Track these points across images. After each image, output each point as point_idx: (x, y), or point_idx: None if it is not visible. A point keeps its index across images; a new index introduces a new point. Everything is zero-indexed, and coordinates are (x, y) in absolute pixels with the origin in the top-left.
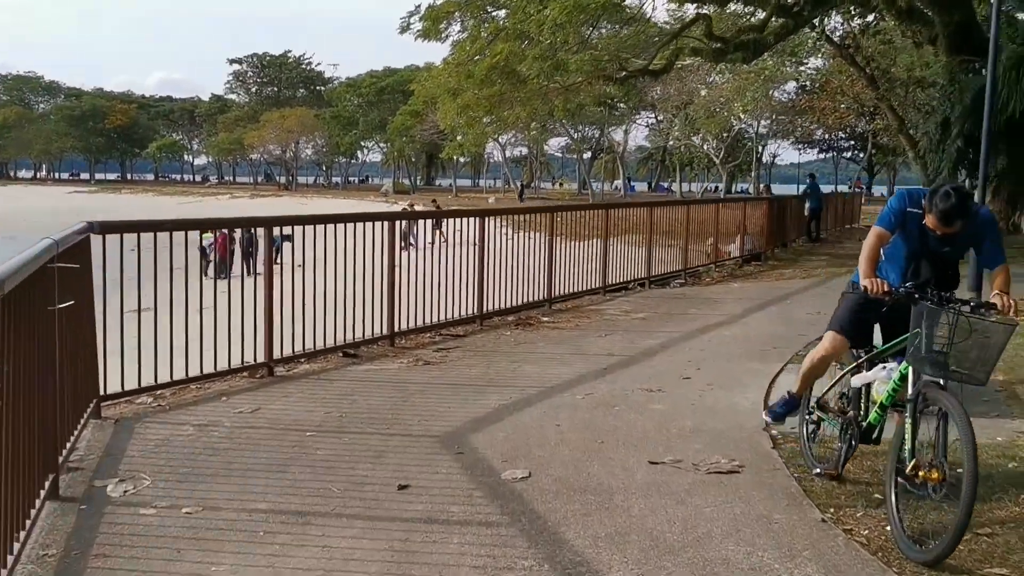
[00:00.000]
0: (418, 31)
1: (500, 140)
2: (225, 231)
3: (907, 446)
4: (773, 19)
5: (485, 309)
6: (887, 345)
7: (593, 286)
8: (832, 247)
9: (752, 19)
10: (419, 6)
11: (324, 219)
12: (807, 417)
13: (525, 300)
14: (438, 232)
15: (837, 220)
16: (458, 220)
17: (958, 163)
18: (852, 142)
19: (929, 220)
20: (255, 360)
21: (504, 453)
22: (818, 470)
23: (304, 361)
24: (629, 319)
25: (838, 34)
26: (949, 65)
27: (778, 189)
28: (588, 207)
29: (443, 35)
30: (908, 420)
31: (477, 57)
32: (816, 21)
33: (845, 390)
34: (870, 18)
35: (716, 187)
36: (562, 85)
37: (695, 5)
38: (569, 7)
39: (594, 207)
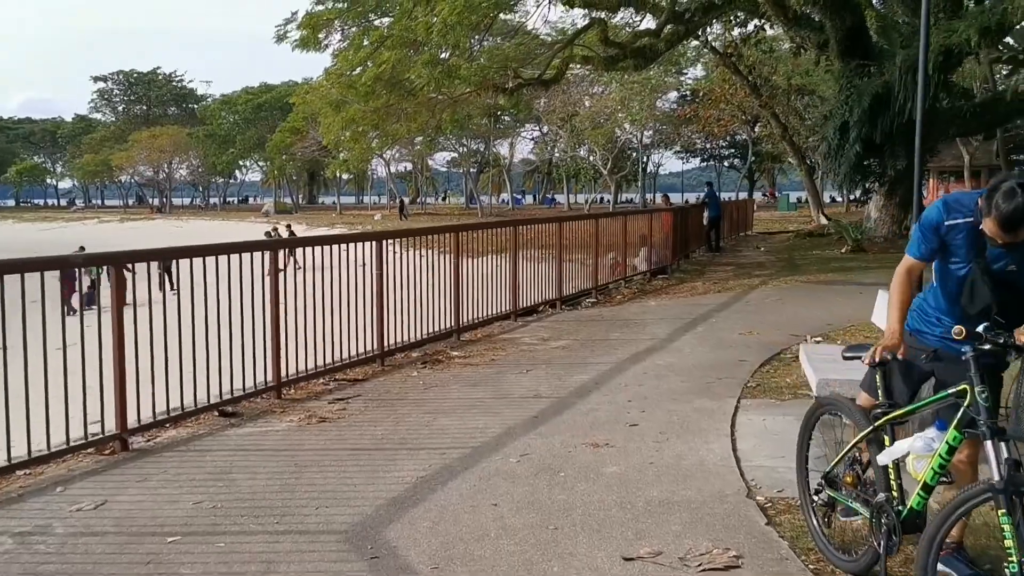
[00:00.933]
0: (296, 41)
1: (385, 155)
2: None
3: (1014, 558)
4: (668, 26)
5: (387, 345)
6: (919, 404)
7: (503, 311)
8: (733, 256)
9: (646, 24)
10: (295, 13)
11: (185, 252)
12: (814, 497)
13: (431, 332)
14: (291, 260)
15: (732, 228)
16: (352, 245)
17: (856, 168)
18: (733, 150)
19: (988, 226)
20: (103, 431)
21: (433, 553)
22: (847, 564)
23: (169, 426)
24: (549, 349)
25: (720, 43)
26: (845, 69)
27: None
28: (496, 224)
29: (323, 45)
30: (1007, 519)
31: (361, 68)
32: (700, 31)
33: (859, 461)
34: (750, 27)
35: (602, 198)
36: (450, 96)
37: (586, 10)
38: (460, 7)
39: (502, 224)
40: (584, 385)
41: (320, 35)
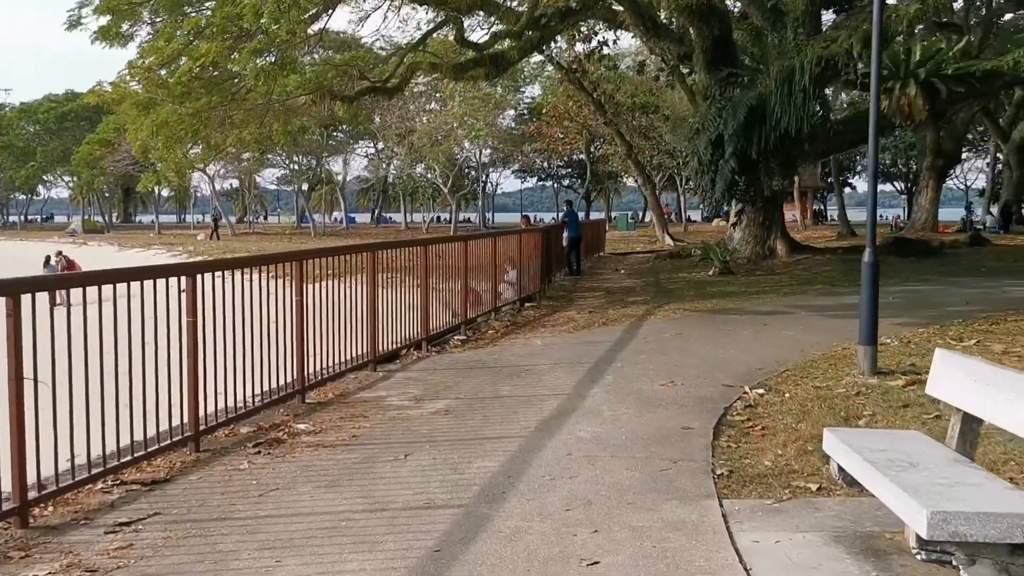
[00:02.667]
0: (94, 33)
1: (208, 171)
2: None
3: None
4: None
5: (204, 420)
6: None
7: (360, 357)
8: (597, 280)
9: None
10: None
11: None
12: None
13: (267, 393)
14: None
15: (587, 249)
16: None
17: (732, 186)
18: (570, 170)
19: None
20: None
21: None
22: None
23: None
24: (427, 415)
25: (564, 59)
26: (714, 81)
27: (500, 218)
28: (351, 249)
29: (128, 36)
30: None
31: (173, 66)
32: (550, 42)
33: None
34: (594, 43)
35: (439, 217)
36: (282, 103)
37: (437, 10)
38: None
39: (359, 249)
40: (493, 480)
41: (123, 25)
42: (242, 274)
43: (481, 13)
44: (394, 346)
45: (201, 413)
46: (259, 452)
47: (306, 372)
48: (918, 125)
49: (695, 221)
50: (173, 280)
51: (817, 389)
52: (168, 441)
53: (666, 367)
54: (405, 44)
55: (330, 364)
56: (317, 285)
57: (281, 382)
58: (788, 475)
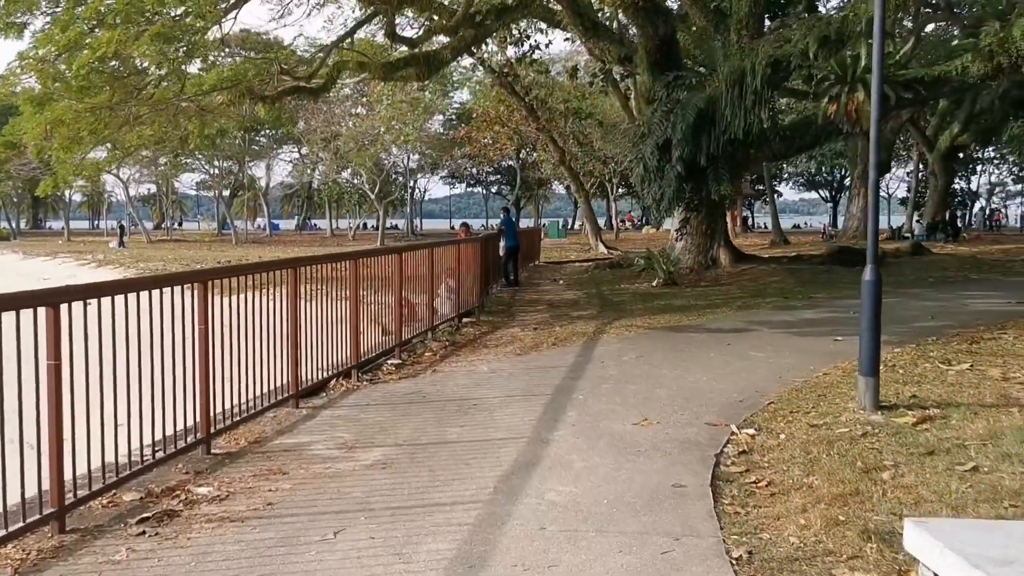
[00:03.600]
0: None
1: (122, 175)
2: None
3: None
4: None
5: (73, 488)
6: None
7: (280, 391)
8: (536, 292)
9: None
10: None
11: None
12: None
13: (160, 444)
14: None
15: (523, 258)
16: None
17: (679, 192)
18: (499, 176)
19: None
20: None
21: None
22: None
23: None
24: (360, 470)
25: (496, 62)
26: (659, 83)
27: (428, 224)
28: (268, 266)
29: (22, 26)
30: None
31: (71, 57)
32: (475, 48)
33: None
34: (526, 46)
35: (366, 224)
36: (194, 102)
37: (363, 5)
38: None
39: (278, 265)
40: (450, 570)
41: (17, 16)
42: (137, 297)
43: (410, 13)
44: (320, 376)
45: (68, 477)
46: (144, 532)
47: (212, 414)
48: (866, 131)
49: (626, 228)
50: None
51: (815, 428)
52: (20, 523)
53: (635, 399)
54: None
55: (243, 401)
56: (230, 299)
57: (181, 427)
58: (824, 560)
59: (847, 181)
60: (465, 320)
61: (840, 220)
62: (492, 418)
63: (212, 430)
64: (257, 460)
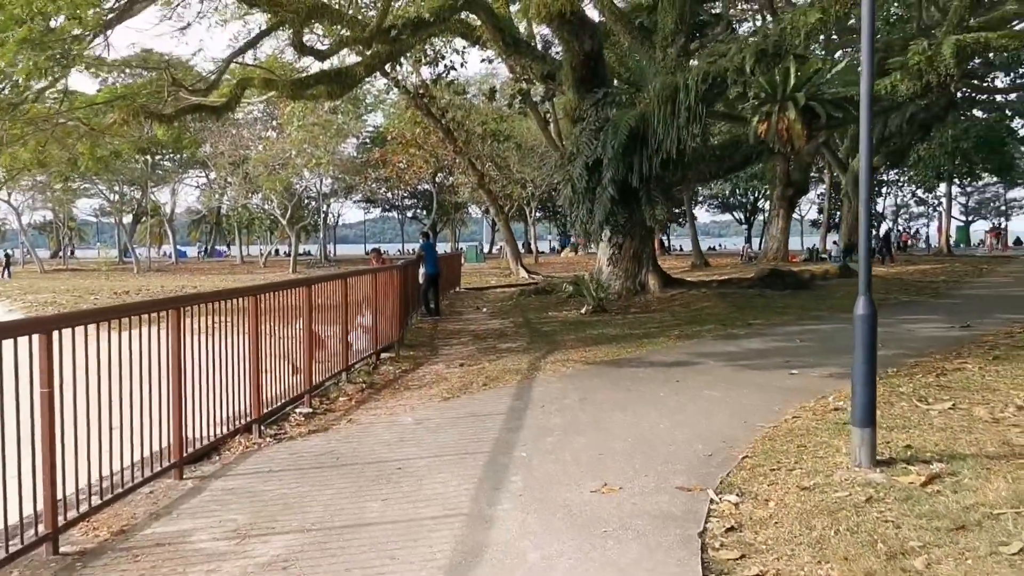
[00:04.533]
0: None
1: (13, 201)
2: None
3: None
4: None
5: None
6: None
7: (159, 457)
8: (459, 321)
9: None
10: None
11: None
12: None
13: None
14: None
15: (443, 285)
16: None
17: (611, 215)
18: (415, 200)
19: None
20: None
21: None
22: None
23: None
24: (255, 573)
25: (411, 82)
26: (587, 100)
27: (343, 250)
28: (143, 308)
29: None
30: None
31: None
32: (389, 67)
33: None
34: (440, 67)
35: (277, 250)
36: (86, 122)
37: (268, 13)
38: None
39: (159, 305)
40: None
41: None
42: None
43: (320, 29)
44: (212, 435)
45: None
46: None
47: (63, 498)
48: (797, 151)
49: (543, 252)
50: None
51: (808, 492)
52: None
53: (588, 455)
54: (239, 63)
55: (106, 475)
56: (95, 345)
57: (18, 516)
58: None
59: (760, 203)
60: (384, 356)
61: (755, 242)
62: (421, 487)
63: (58, 524)
64: (118, 562)
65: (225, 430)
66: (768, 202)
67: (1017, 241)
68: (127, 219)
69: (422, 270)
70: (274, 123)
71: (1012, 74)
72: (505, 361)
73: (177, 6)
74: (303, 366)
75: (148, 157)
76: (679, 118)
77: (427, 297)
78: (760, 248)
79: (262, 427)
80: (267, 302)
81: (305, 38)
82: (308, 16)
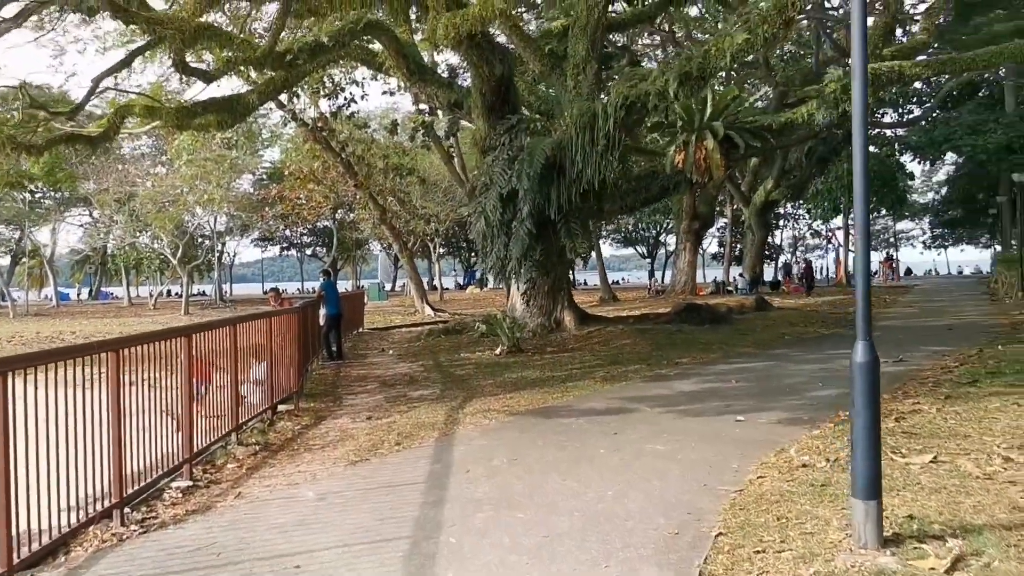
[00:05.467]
0: None
1: None
2: None
3: None
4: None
5: None
6: None
7: None
8: (365, 366)
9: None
10: None
11: None
12: None
13: None
14: None
15: (346, 326)
16: None
17: (529, 250)
18: (315, 237)
19: None
20: None
21: None
22: None
23: None
24: None
25: (309, 115)
26: (497, 128)
27: (240, 289)
28: None
29: None
30: None
31: None
32: (286, 99)
33: None
34: (340, 99)
35: (169, 291)
36: None
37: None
38: None
39: None
40: None
41: None
42: None
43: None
44: (56, 528)
45: None
46: None
47: None
48: (715, 181)
49: (448, 288)
50: None
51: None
52: None
53: (532, 539)
54: (114, 87)
55: None
56: None
57: None
58: None
59: (662, 237)
60: (282, 409)
61: (658, 275)
62: None
63: None
64: None
65: (75, 519)
66: (670, 236)
67: (908, 271)
68: (4, 260)
69: (323, 311)
70: (163, 158)
71: (900, 110)
72: (418, 413)
73: (49, 30)
74: (182, 429)
75: (27, 194)
76: (598, 146)
77: (329, 340)
78: (668, 282)
79: (125, 512)
80: (134, 355)
81: (195, 62)
82: (194, 38)
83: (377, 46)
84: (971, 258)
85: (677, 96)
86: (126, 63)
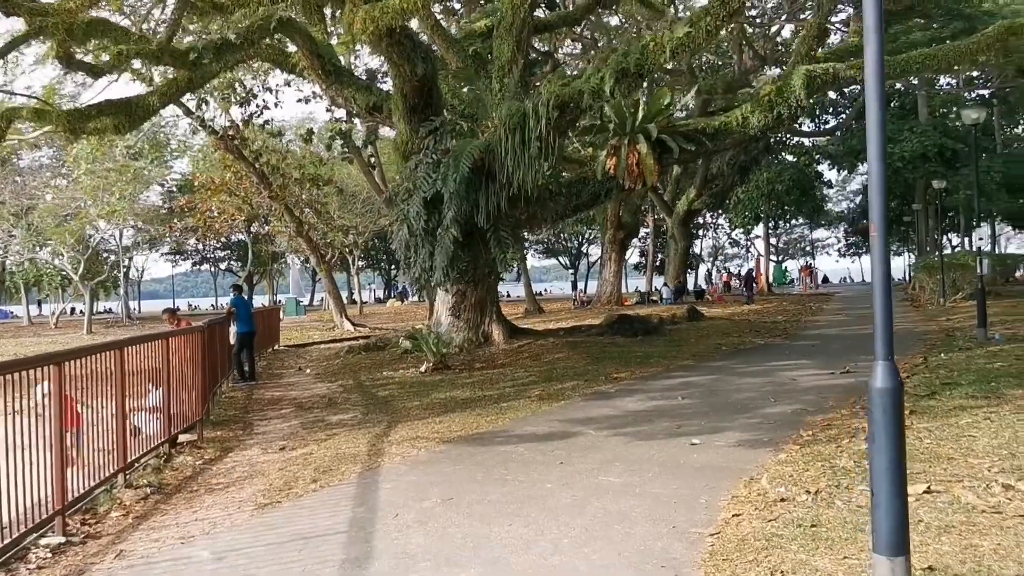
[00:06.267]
0: None
1: None
2: None
3: None
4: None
5: None
6: None
7: None
8: (280, 387)
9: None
10: None
11: None
12: None
13: None
14: None
15: (260, 343)
16: None
17: (455, 260)
18: (229, 251)
19: None
20: None
21: None
22: None
23: None
24: None
25: (220, 123)
26: (430, 128)
27: (151, 306)
28: None
29: None
30: None
31: None
32: (194, 105)
33: None
34: (253, 106)
35: (73, 308)
36: None
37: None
38: None
39: None
40: None
41: None
42: None
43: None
44: None
45: None
46: None
47: None
48: (649, 187)
49: (367, 302)
50: None
51: None
52: None
53: None
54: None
55: None
56: None
57: None
58: None
59: (584, 248)
60: (183, 439)
61: (581, 285)
62: None
63: None
64: None
65: None
66: (592, 246)
67: (825, 279)
68: None
69: (233, 329)
70: (64, 169)
71: (816, 120)
72: (338, 441)
73: None
74: (51, 475)
75: None
76: (530, 148)
77: (240, 360)
78: (594, 292)
79: None
80: None
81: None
82: (85, 32)
83: (292, 47)
84: None
85: (613, 94)
86: (3, 53)
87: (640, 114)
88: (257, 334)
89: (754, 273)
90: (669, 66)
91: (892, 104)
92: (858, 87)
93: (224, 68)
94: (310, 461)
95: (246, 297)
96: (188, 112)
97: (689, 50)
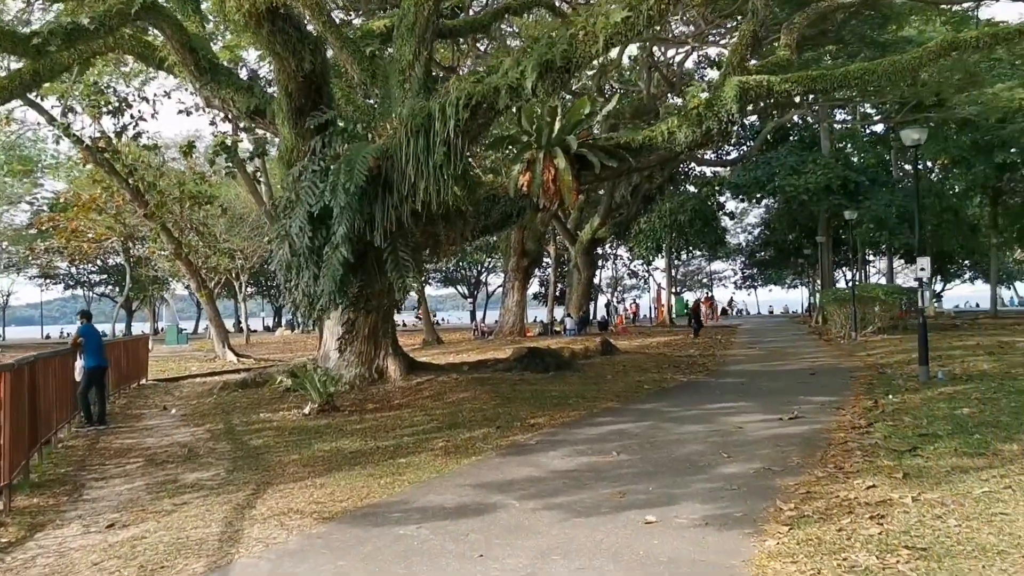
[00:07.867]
0: None
1: None
2: None
3: None
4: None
5: None
6: None
7: None
8: (134, 433)
9: None
10: None
11: None
12: None
13: None
14: None
15: (122, 378)
16: None
17: (344, 284)
18: (106, 275)
19: None
20: None
21: None
22: None
23: None
24: None
25: (89, 134)
26: (318, 126)
27: (21, 333)
28: None
29: None
30: None
31: None
32: (61, 115)
33: None
34: (127, 116)
35: None
36: None
37: None
38: None
39: None
40: None
41: None
42: None
43: None
44: None
45: None
46: None
47: None
48: (566, 207)
49: (256, 331)
50: None
51: None
52: None
53: None
54: None
55: None
56: None
57: None
58: None
59: (483, 276)
60: None
61: (480, 315)
62: None
63: None
64: None
65: None
66: (491, 275)
67: (724, 311)
68: None
69: (79, 363)
70: None
71: (718, 150)
72: (186, 515)
73: None
74: None
75: None
76: (435, 154)
77: (87, 400)
78: (496, 322)
79: None
80: None
81: None
82: None
83: (158, 37)
84: (778, 297)
85: (535, 92)
86: None
87: (558, 124)
88: (108, 369)
89: (702, 302)
90: (600, 59)
91: (792, 138)
92: (760, 118)
93: (78, 59)
94: (138, 551)
95: (94, 326)
96: (51, 119)
97: (626, 40)
